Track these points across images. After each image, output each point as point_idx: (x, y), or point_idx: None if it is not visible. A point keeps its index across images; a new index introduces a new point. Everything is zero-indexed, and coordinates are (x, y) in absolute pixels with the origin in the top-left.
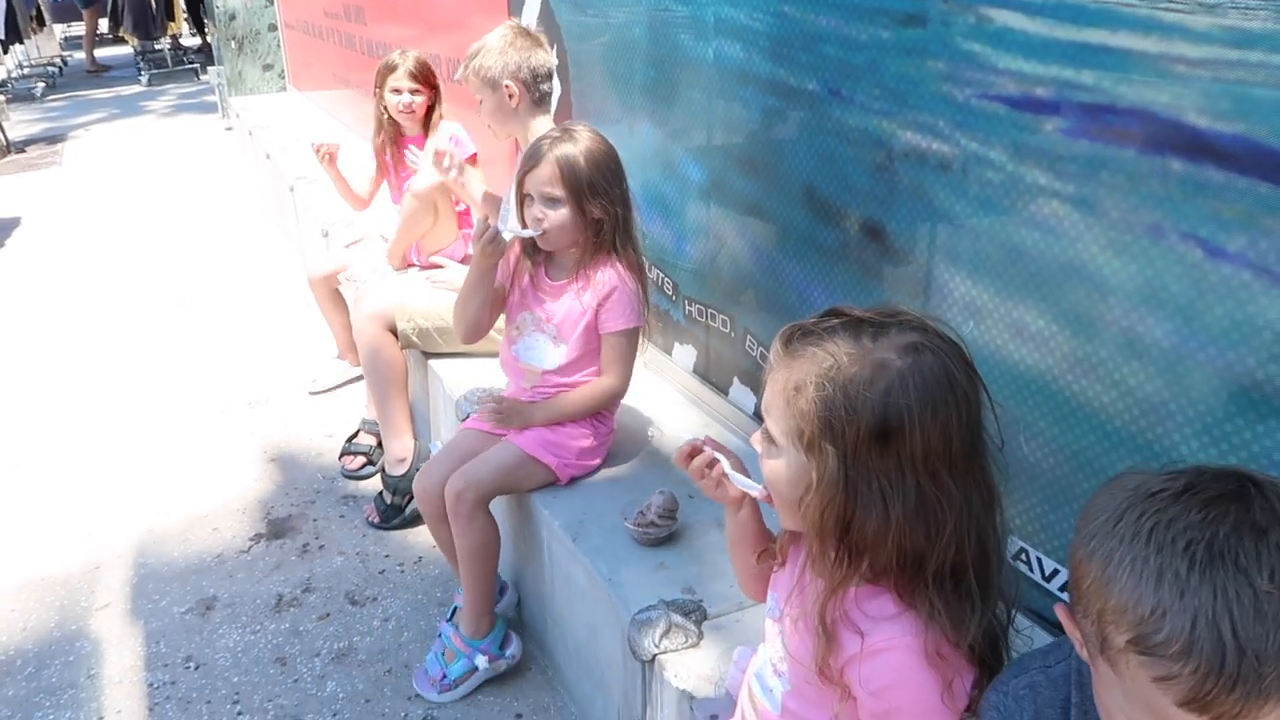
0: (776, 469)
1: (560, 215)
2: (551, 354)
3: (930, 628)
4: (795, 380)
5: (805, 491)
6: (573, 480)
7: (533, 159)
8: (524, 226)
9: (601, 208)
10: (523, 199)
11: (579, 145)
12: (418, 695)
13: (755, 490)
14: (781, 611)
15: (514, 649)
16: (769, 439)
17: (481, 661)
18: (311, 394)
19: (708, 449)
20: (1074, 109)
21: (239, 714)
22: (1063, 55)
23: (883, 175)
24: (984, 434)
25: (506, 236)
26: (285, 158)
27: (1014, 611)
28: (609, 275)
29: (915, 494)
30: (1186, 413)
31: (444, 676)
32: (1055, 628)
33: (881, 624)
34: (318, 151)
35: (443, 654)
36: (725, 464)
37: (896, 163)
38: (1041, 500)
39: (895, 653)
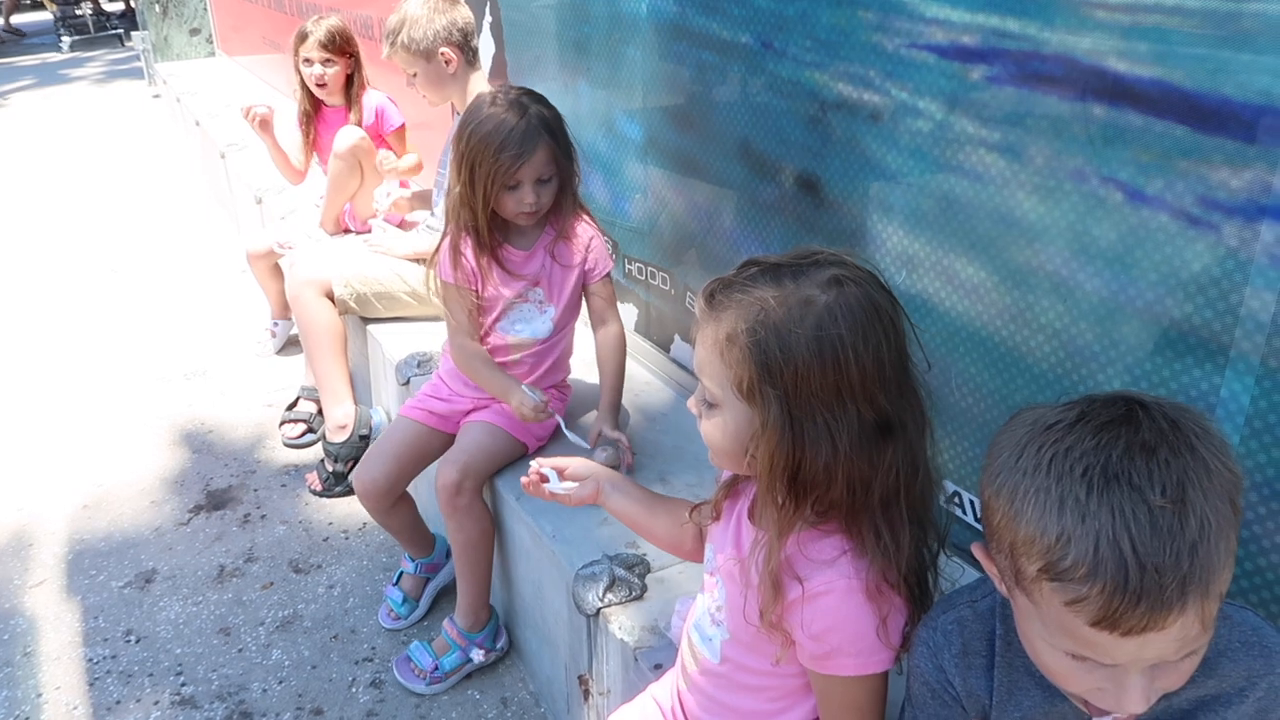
0: (717, 426)
1: (552, 190)
2: (540, 321)
3: (871, 565)
4: (725, 331)
5: (751, 440)
6: (538, 447)
7: (519, 148)
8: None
9: (573, 167)
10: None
11: (548, 111)
12: (364, 656)
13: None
14: (718, 562)
15: (504, 641)
16: (705, 400)
17: (477, 655)
18: (259, 356)
19: (533, 471)
20: (1000, 57)
21: (183, 685)
22: (989, 3)
23: (816, 128)
24: (910, 360)
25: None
26: (216, 124)
27: (943, 548)
28: (582, 227)
29: (858, 422)
30: (1109, 354)
31: (436, 669)
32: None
33: (821, 566)
34: (247, 114)
35: (430, 644)
36: (551, 475)
37: (829, 115)
38: (974, 444)
39: (833, 595)
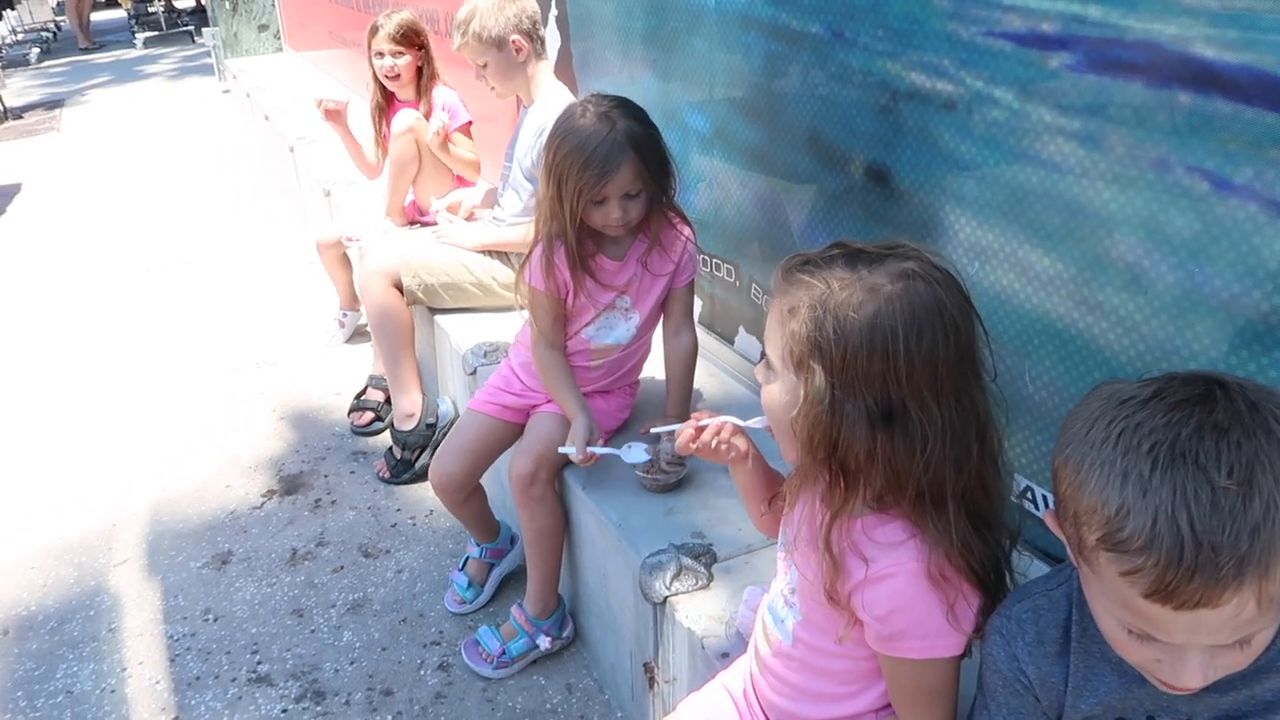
0: (772, 393)
1: (641, 203)
2: (624, 327)
3: (934, 551)
4: (790, 304)
5: (795, 410)
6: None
7: (603, 165)
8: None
9: (665, 180)
10: (586, 204)
11: (638, 125)
12: (436, 638)
13: (758, 423)
14: (792, 545)
15: (570, 629)
16: (767, 364)
17: (544, 642)
18: (328, 346)
19: (709, 420)
20: (1080, 44)
21: (259, 664)
22: None
23: (887, 117)
24: (977, 365)
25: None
26: (284, 118)
27: (1015, 544)
28: (673, 234)
29: (900, 412)
30: (1192, 347)
31: (503, 653)
32: (1059, 562)
33: (886, 549)
34: (320, 106)
35: (499, 629)
36: (735, 420)
37: (900, 104)
38: (1047, 439)
39: (898, 578)
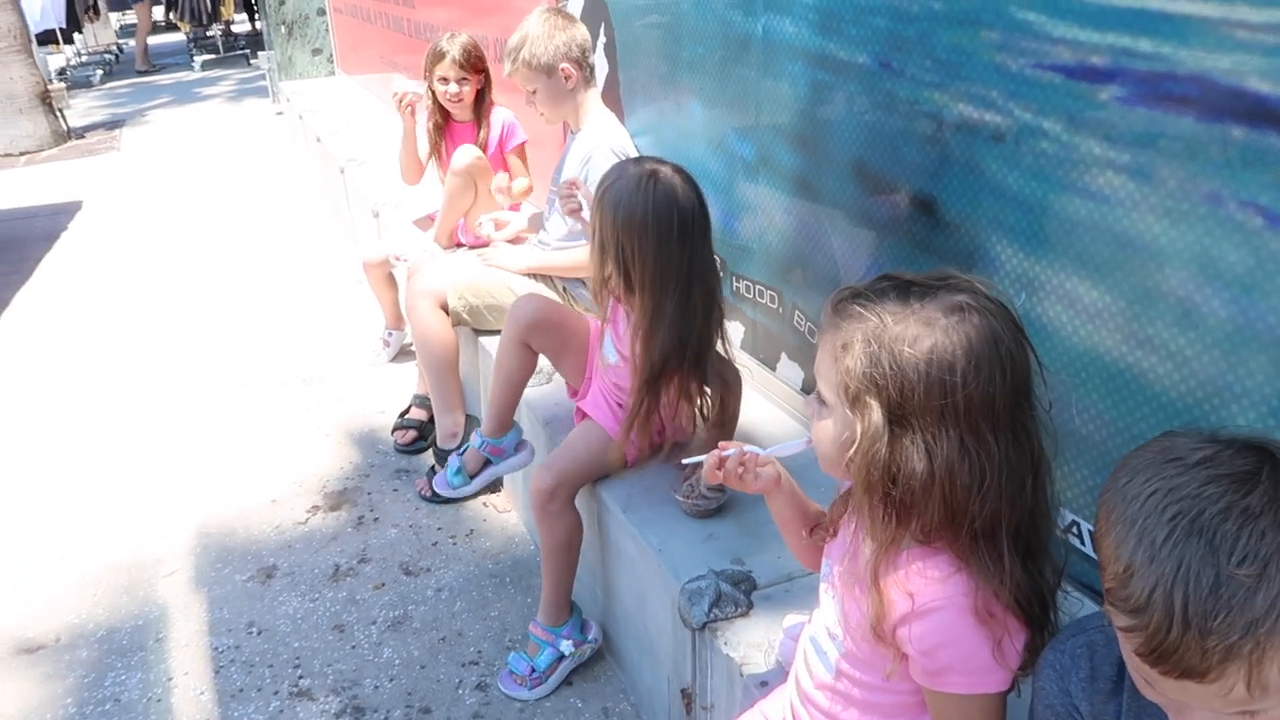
0: (825, 429)
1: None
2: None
3: (981, 587)
4: (843, 339)
5: (851, 447)
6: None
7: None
8: None
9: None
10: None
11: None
12: (476, 678)
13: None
14: (834, 575)
15: (595, 632)
16: (819, 400)
17: (567, 646)
18: (373, 365)
19: (733, 449)
20: (1131, 77)
21: (300, 678)
22: (1120, 22)
23: (933, 148)
24: (1032, 398)
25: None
26: (335, 140)
27: (1061, 579)
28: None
29: (958, 448)
30: (1244, 383)
31: (533, 671)
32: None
33: (933, 584)
34: (401, 100)
35: (524, 652)
36: (755, 449)
37: (947, 134)
38: (1094, 473)
39: (945, 612)
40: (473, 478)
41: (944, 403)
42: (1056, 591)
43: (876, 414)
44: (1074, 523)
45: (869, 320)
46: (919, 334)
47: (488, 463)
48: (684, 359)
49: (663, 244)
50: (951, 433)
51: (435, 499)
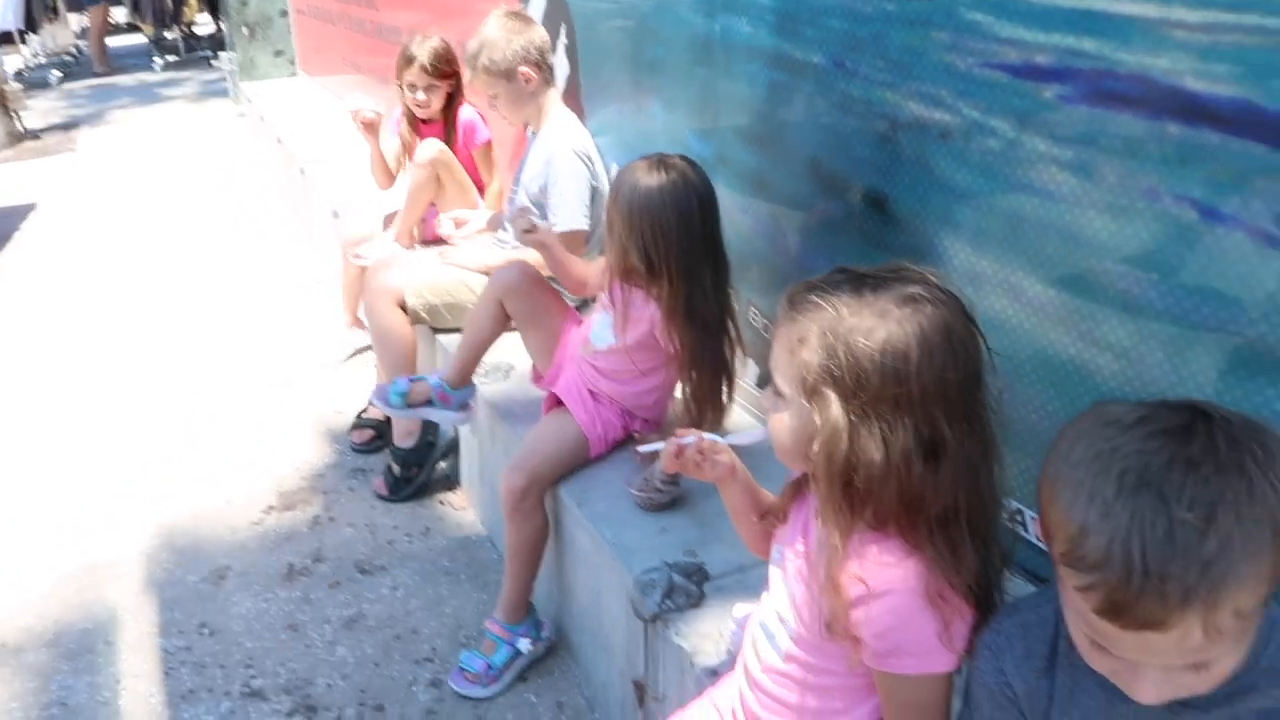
0: (782, 422)
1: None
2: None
3: (933, 571)
4: (799, 332)
5: (810, 439)
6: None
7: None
8: None
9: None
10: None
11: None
12: (432, 674)
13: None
14: (784, 559)
15: (549, 630)
16: (775, 393)
17: (524, 644)
18: (325, 367)
19: (691, 437)
20: (1074, 76)
21: (252, 678)
22: (1064, 22)
23: (886, 146)
24: (983, 386)
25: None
26: (296, 141)
27: (1009, 565)
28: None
29: (914, 436)
30: (1179, 373)
31: (489, 668)
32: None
33: (886, 569)
34: (355, 117)
35: (478, 650)
36: (716, 437)
37: (899, 133)
38: (1036, 464)
39: (898, 596)
40: (410, 407)
41: (899, 392)
42: (1003, 575)
43: (834, 406)
44: (1019, 511)
45: (824, 313)
46: (873, 325)
47: (429, 402)
48: (711, 341)
49: (687, 225)
50: (907, 422)
51: (392, 498)
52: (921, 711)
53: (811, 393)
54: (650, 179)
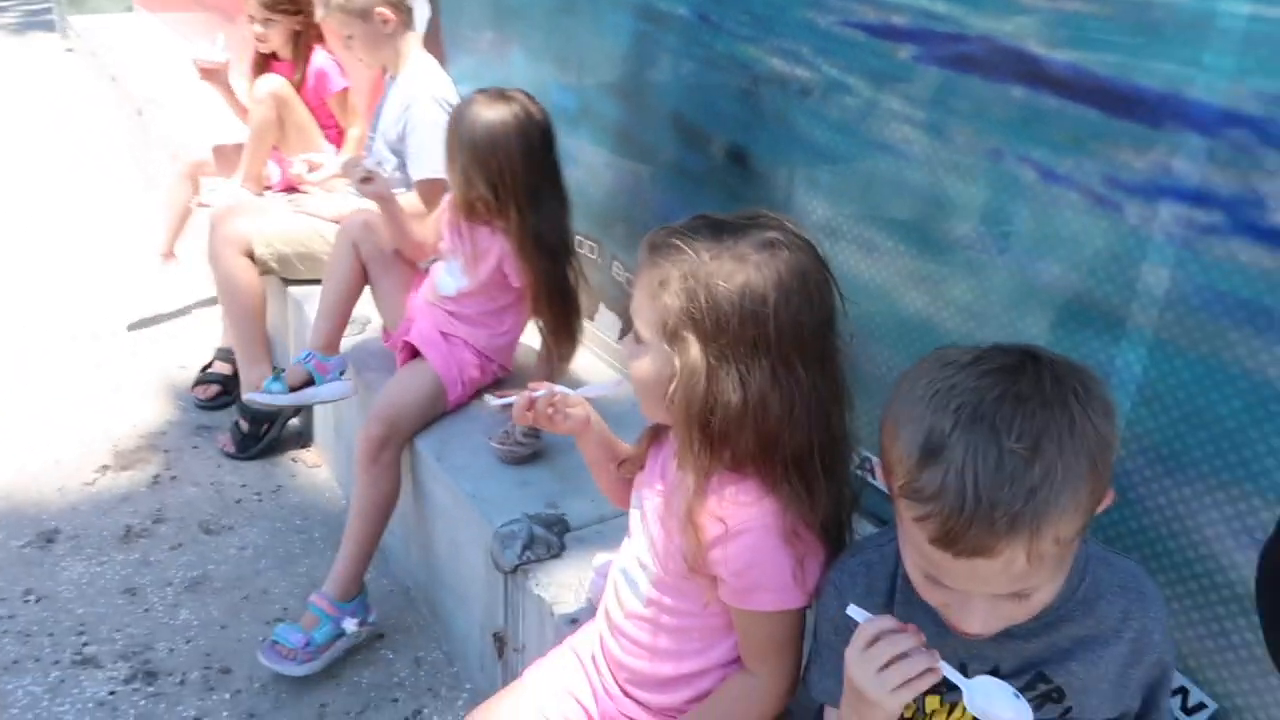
0: (643, 366)
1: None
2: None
3: (788, 509)
4: (659, 277)
5: (669, 382)
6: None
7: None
8: None
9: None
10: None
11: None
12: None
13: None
14: (643, 506)
15: (374, 615)
16: (636, 339)
17: (350, 625)
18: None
19: (543, 390)
20: (928, 37)
21: (85, 644)
22: None
23: (747, 101)
24: (836, 329)
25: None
26: (133, 80)
27: (857, 508)
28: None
29: (771, 377)
30: (1016, 326)
31: (307, 644)
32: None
33: (743, 508)
34: (197, 65)
35: (297, 623)
36: (564, 390)
37: (761, 88)
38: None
39: (754, 534)
40: (289, 391)
41: (756, 334)
42: (853, 514)
43: (694, 348)
44: (866, 458)
45: (685, 257)
46: (732, 269)
47: (311, 380)
48: (558, 271)
49: (530, 154)
50: (764, 363)
51: (240, 455)
52: (779, 646)
53: (672, 336)
54: (493, 112)
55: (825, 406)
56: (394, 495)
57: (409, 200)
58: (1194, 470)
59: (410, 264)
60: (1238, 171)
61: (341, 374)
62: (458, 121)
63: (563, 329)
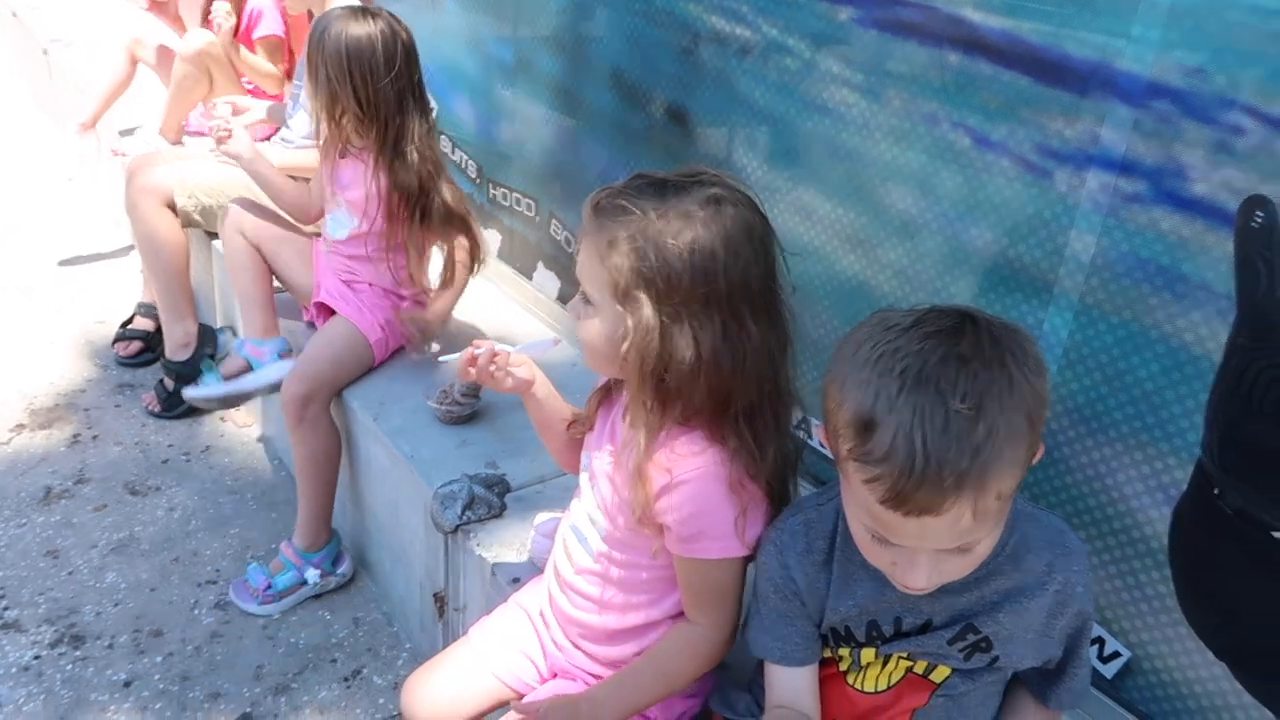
0: (593, 328)
1: None
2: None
3: (734, 460)
4: (607, 238)
5: (622, 342)
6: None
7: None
8: None
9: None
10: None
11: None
12: (220, 594)
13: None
14: (592, 465)
15: (345, 567)
16: (584, 300)
17: (312, 575)
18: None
19: (483, 348)
20: (867, 0)
21: (6, 609)
22: None
23: (687, 59)
24: (778, 283)
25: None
26: (36, 16)
27: (798, 463)
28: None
29: (722, 332)
30: (949, 289)
31: (268, 587)
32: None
33: (688, 458)
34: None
35: (266, 565)
36: (507, 348)
37: (701, 47)
38: (821, 373)
39: (699, 482)
40: (225, 379)
41: (707, 290)
42: (796, 471)
43: (647, 308)
44: (804, 419)
45: (632, 217)
46: (680, 227)
47: (248, 368)
48: (433, 187)
49: (395, 74)
50: (715, 319)
51: (166, 414)
52: (720, 595)
53: (624, 296)
54: (358, 28)
55: (773, 358)
56: (333, 448)
57: (306, 156)
58: (1114, 430)
59: (302, 231)
60: (1161, 142)
61: (281, 355)
62: (321, 38)
63: (454, 251)
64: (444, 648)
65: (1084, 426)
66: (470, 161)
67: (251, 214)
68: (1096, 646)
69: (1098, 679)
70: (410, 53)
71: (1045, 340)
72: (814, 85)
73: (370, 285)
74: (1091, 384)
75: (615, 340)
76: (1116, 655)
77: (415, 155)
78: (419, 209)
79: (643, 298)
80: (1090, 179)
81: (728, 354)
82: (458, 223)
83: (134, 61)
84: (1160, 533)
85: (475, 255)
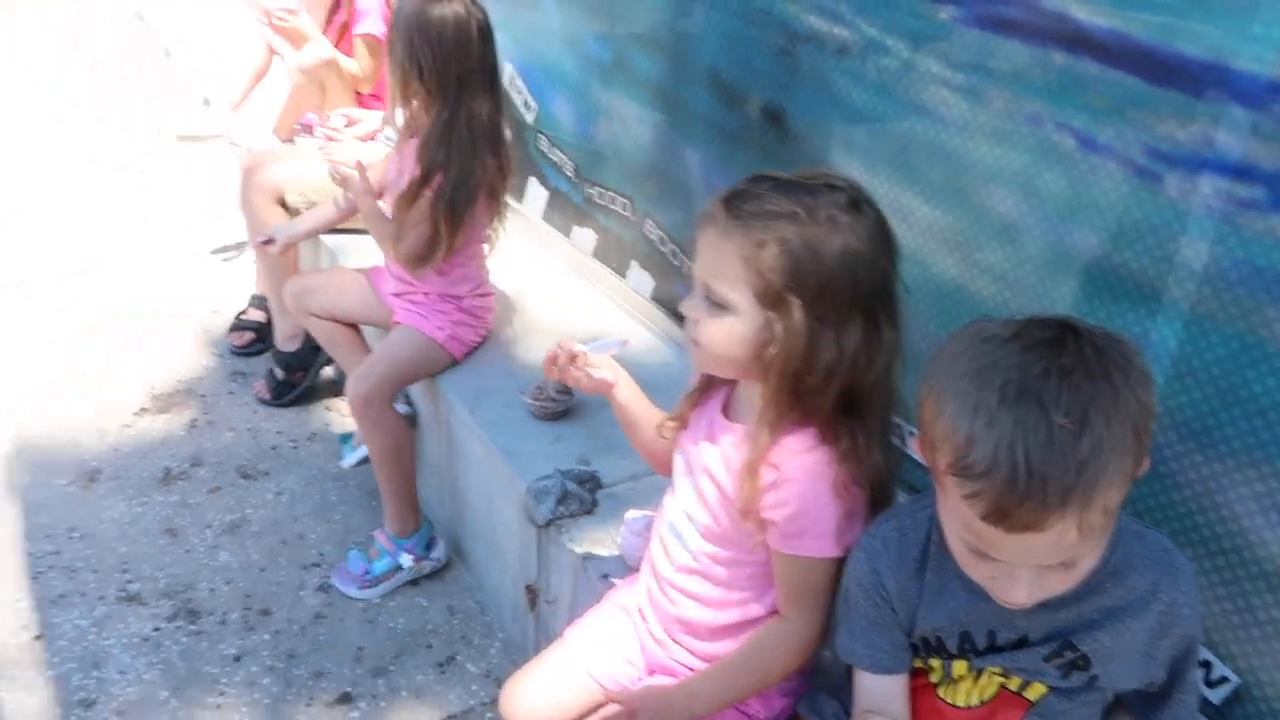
0: (725, 329)
1: None
2: None
3: (843, 461)
4: (755, 239)
5: (765, 345)
6: (467, 355)
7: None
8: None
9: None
10: None
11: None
12: (324, 577)
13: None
14: (688, 463)
15: (439, 551)
16: (712, 302)
17: (406, 560)
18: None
19: (561, 348)
20: None
21: (129, 582)
22: None
23: (785, 59)
24: (898, 284)
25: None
26: (159, 17)
27: (898, 469)
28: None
29: (863, 336)
30: (1051, 295)
31: (366, 573)
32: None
33: (798, 455)
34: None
35: (365, 552)
36: (583, 347)
37: (799, 47)
38: (916, 380)
39: (806, 480)
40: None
41: (853, 294)
42: (895, 476)
43: (797, 312)
44: (898, 424)
45: (780, 220)
46: (830, 231)
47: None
48: (476, 163)
49: (460, 45)
50: (858, 321)
51: (274, 402)
52: (814, 594)
53: (775, 300)
54: (434, 8)
55: (894, 361)
56: (402, 441)
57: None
58: (1225, 446)
59: (356, 278)
60: None
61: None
62: (399, 18)
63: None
64: (535, 639)
65: (1193, 441)
66: (567, 160)
67: (307, 284)
68: (1204, 671)
69: (1203, 704)
70: (485, 35)
71: (1152, 350)
72: (913, 85)
73: (426, 295)
74: (1202, 397)
75: (755, 343)
76: (1224, 680)
77: (467, 135)
78: (448, 195)
79: (794, 301)
80: (1204, 183)
81: (865, 357)
82: (487, 192)
83: (271, 52)
84: (1274, 554)
85: (506, 171)
